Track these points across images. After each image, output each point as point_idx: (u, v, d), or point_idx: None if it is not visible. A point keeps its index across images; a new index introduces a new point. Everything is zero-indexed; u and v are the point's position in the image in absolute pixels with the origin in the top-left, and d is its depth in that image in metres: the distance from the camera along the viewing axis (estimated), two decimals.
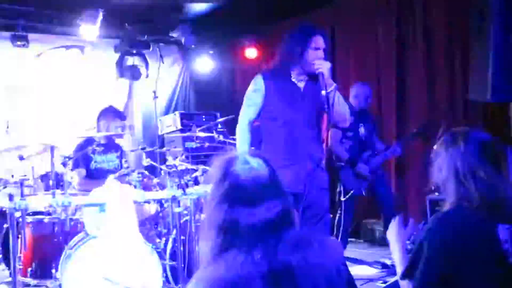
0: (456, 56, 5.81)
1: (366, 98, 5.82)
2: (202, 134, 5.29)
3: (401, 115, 6.40)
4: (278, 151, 3.41)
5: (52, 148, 3.95)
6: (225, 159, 1.74)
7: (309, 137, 3.49)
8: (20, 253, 4.20)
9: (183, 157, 4.88)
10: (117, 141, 5.45)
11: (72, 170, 5.00)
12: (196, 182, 4.47)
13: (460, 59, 5.75)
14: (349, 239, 6.40)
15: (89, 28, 7.09)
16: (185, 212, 4.45)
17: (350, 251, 6.06)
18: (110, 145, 5.26)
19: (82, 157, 5.01)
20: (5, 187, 5.14)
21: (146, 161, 4.70)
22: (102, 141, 5.08)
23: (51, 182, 4.89)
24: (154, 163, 4.79)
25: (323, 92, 3.30)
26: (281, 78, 3.45)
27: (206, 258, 1.69)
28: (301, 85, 3.53)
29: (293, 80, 3.51)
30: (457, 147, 2.17)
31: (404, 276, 2.16)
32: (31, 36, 7.29)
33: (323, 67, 3.32)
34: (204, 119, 7.34)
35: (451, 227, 2.06)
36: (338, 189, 5.88)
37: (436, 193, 5.63)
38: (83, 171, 5.05)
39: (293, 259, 1.61)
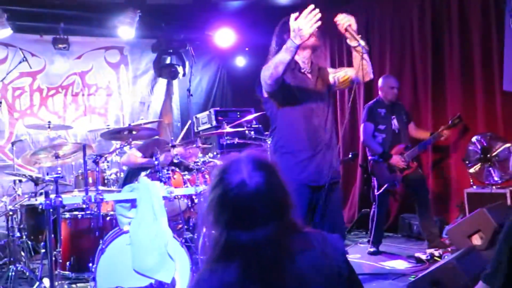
0: (492, 46, 5.66)
1: (391, 88, 5.76)
2: (231, 130, 5.35)
3: (437, 106, 6.28)
4: (300, 141, 3.42)
5: (84, 147, 4.09)
6: (223, 164, 1.71)
7: (325, 125, 3.50)
8: (59, 248, 4.39)
9: (215, 153, 4.95)
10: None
11: (133, 147, 5.20)
12: None
13: (497, 50, 5.61)
14: (385, 234, 6.37)
15: (127, 29, 7.27)
16: None
17: (387, 245, 6.01)
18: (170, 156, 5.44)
19: (151, 149, 5.17)
20: (44, 185, 5.37)
21: (176, 158, 4.80)
22: (136, 139, 5.21)
23: (90, 180, 5.13)
24: (183, 160, 4.88)
25: (354, 43, 3.26)
26: (290, 69, 3.43)
27: (207, 258, 1.71)
28: (309, 74, 3.54)
29: (302, 70, 3.52)
30: None
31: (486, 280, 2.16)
32: (71, 38, 7.54)
33: (345, 20, 3.23)
34: (238, 116, 7.39)
35: None
36: (372, 183, 5.86)
37: (474, 187, 5.55)
38: (139, 155, 5.21)
39: (287, 273, 1.60)
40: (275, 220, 1.62)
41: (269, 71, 3.21)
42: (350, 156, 6.95)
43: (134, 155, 5.27)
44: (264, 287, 1.60)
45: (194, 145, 5.09)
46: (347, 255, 1.76)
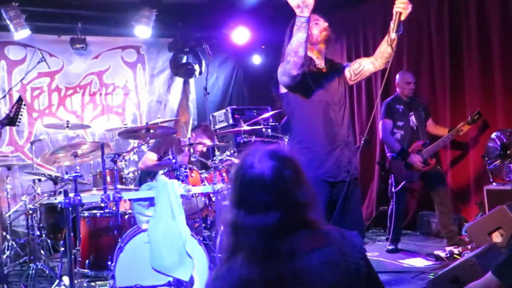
0: (511, 42, 5.60)
1: (407, 84, 5.73)
2: (248, 128, 5.35)
3: (455, 102, 6.22)
4: (317, 136, 3.41)
5: (102, 146, 4.12)
6: (240, 160, 1.76)
7: (342, 120, 3.48)
8: (78, 246, 4.43)
9: (232, 151, 4.95)
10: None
11: (148, 149, 5.23)
12: None
13: None
14: (404, 231, 6.34)
15: (144, 28, 7.32)
16: None
17: (406, 243, 5.99)
18: (184, 152, 5.46)
19: (167, 145, 5.20)
20: (63, 184, 5.43)
21: (193, 156, 4.82)
22: (154, 138, 5.23)
23: (108, 179, 5.17)
24: (201, 158, 4.90)
25: (393, 35, 3.22)
26: (306, 64, 3.41)
27: (224, 255, 1.74)
28: (324, 69, 3.52)
29: (317, 65, 3.51)
30: None
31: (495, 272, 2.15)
32: (89, 38, 7.59)
33: (402, 6, 3.15)
34: (255, 114, 7.38)
35: None
36: (389, 180, 5.83)
37: (494, 183, 5.49)
38: (154, 156, 5.23)
39: (287, 268, 1.61)
40: (276, 210, 1.63)
41: (291, 60, 3.18)
42: (362, 142, 6.81)
43: (149, 159, 5.28)
44: (266, 280, 1.61)
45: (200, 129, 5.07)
46: (365, 253, 1.76)
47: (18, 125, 4.84)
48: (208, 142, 5.52)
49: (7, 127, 6.49)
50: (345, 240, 1.70)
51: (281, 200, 1.65)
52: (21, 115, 4.67)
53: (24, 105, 4.76)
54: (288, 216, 1.65)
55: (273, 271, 1.62)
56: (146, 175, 5.28)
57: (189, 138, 4.88)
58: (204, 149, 5.58)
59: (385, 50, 3.40)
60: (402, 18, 3.17)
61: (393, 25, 3.20)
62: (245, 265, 1.64)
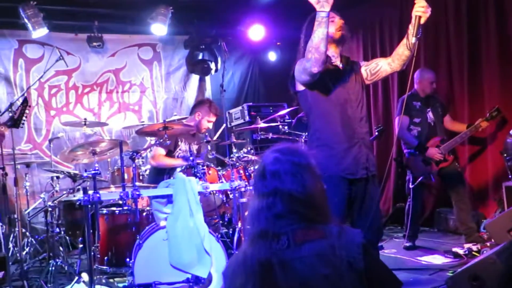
0: None
1: (430, 83, 5.69)
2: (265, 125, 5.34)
3: (473, 99, 6.15)
4: (335, 133, 3.40)
5: (121, 143, 4.14)
6: (264, 154, 1.96)
7: (360, 117, 3.48)
8: (97, 243, 4.46)
9: (249, 148, 4.95)
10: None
11: (157, 144, 5.23)
12: None
13: None
14: (422, 228, 6.30)
15: (160, 26, 7.35)
16: None
17: (423, 240, 5.95)
18: (193, 138, 5.46)
19: (174, 139, 5.20)
20: (82, 182, 5.47)
21: (210, 154, 4.83)
22: (191, 132, 5.20)
23: (126, 176, 5.20)
24: (218, 155, 4.90)
25: (413, 39, 3.17)
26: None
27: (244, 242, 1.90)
28: (341, 67, 3.52)
29: (333, 63, 3.50)
30: None
31: None
32: (105, 36, 7.64)
33: (422, 10, 3.11)
34: (271, 111, 7.38)
35: None
36: (406, 177, 5.79)
37: None
38: (162, 151, 5.24)
39: (278, 255, 1.79)
40: (273, 199, 1.84)
41: (312, 58, 3.16)
42: (376, 133, 6.75)
43: (159, 155, 5.26)
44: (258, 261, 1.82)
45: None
46: (382, 250, 1.84)
47: (22, 127, 4.88)
48: (214, 118, 5.50)
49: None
50: (342, 236, 1.81)
51: (277, 191, 1.85)
52: (26, 117, 4.72)
53: (29, 106, 4.81)
54: (284, 207, 1.83)
55: (264, 255, 1.81)
56: (158, 172, 5.26)
57: (206, 136, 4.88)
58: (210, 126, 5.55)
59: (403, 52, 3.38)
60: (422, 21, 3.12)
61: (412, 29, 3.15)
62: (249, 247, 1.88)
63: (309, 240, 1.81)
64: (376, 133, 6.67)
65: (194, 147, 5.44)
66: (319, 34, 3.11)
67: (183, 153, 5.33)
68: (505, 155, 5.53)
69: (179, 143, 5.28)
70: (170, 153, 5.30)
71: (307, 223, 1.85)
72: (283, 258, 1.80)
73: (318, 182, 1.92)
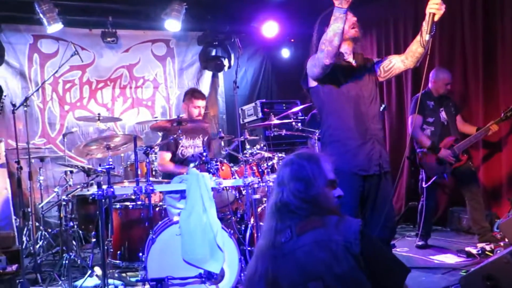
0: None
1: (445, 84, 5.66)
2: (278, 122, 5.32)
3: (488, 98, 6.11)
4: (348, 129, 3.41)
5: (135, 139, 4.16)
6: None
7: (373, 114, 3.47)
8: (110, 237, 4.49)
9: (262, 145, 4.95)
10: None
11: (159, 149, 5.24)
12: (272, 169, 4.54)
13: None
14: (434, 227, 6.27)
15: (173, 22, 7.35)
16: (264, 199, 4.56)
17: (436, 239, 5.93)
18: (198, 130, 5.44)
19: (174, 139, 5.20)
20: (96, 176, 5.50)
21: (223, 150, 4.83)
22: (190, 126, 5.22)
23: (139, 171, 5.21)
24: (231, 151, 4.91)
25: (427, 36, 3.14)
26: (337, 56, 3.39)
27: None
28: (354, 64, 3.51)
29: (346, 59, 3.49)
30: None
31: None
32: (119, 32, 7.67)
33: (436, 7, 3.08)
34: (284, 108, 7.38)
35: None
36: (420, 176, 5.77)
37: None
38: (167, 156, 5.25)
39: (280, 247, 2.03)
40: (281, 192, 2.13)
41: (325, 50, 3.17)
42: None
43: (164, 159, 5.28)
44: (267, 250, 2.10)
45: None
46: (394, 249, 1.97)
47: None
48: (202, 103, 5.49)
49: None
50: (340, 223, 2.00)
51: (282, 183, 2.14)
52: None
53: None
54: (287, 199, 2.09)
55: (271, 243, 2.06)
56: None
57: (220, 132, 4.89)
58: (202, 111, 5.53)
59: (416, 49, 3.38)
60: (436, 19, 3.10)
61: (426, 26, 3.12)
62: (260, 240, 2.17)
63: (309, 229, 2.00)
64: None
65: (198, 141, 5.44)
66: (334, 28, 3.11)
67: (186, 150, 5.33)
68: None
69: (180, 141, 5.27)
70: (173, 154, 5.34)
71: (308, 216, 2.06)
72: (284, 251, 2.01)
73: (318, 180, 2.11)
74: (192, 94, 5.55)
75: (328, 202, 2.12)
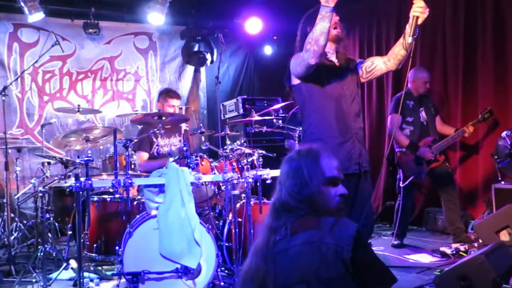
0: None
1: (424, 83, 5.71)
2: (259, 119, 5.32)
3: (467, 100, 6.19)
4: (329, 127, 3.42)
5: (115, 131, 4.13)
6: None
7: (354, 113, 3.49)
8: (86, 230, 4.45)
9: (242, 141, 4.94)
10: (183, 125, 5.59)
11: (135, 151, 5.22)
12: (252, 166, 4.53)
13: None
14: (410, 227, 6.33)
15: (157, 15, 7.30)
16: (243, 195, 4.56)
17: (411, 238, 6.01)
18: (174, 129, 5.41)
19: (146, 140, 5.20)
20: (73, 168, 5.45)
21: (203, 145, 4.81)
22: (166, 125, 5.21)
23: (118, 164, 5.17)
24: (211, 147, 4.90)
25: (410, 39, 3.17)
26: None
27: None
28: (336, 63, 3.53)
29: (329, 58, 3.51)
30: None
31: None
32: (102, 23, 7.60)
33: (419, 10, 3.10)
34: (266, 104, 7.39)
35: None
36: (397, 175, 5.82)
37: (502, 182, 5.47)
38: (145, 155, 5.24)
39: (273, 247, 1.98)
40: (279, 191, 2.09)
41: (311, 49, 3.17)
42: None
43: (142, 159, 5.25)
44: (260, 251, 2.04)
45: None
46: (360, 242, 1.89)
47: None
48: (176, 102, 5.49)
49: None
50: (335, 226, 1.90)
51: (281, 182, 2.09)
52: None
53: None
54: (284, 198, 2.04)
55: (266, 241, 2.02)
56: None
57: (201, 127, 4.87)
58: (177, 111, 5.53)
59: (398, 52, 3.41)
60: (419, 22, 3.13)
61: (409, 29, 3.16)
62: (257, 239, 2.11)
63: (303, 229, 1.94)
64: None
65: (174, 139, 5.42)
66: (321, 27, 3.12)
67: (162, 148, 5.32)
68: (496, 157, 5.57)
69: (154, 139, 5.26)
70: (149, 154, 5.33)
71: (305, 215, 1.99)
72: (276, 250, 1.95)
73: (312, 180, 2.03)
74: (167, 93, 5.56)
75: (326, 202, 2.02)
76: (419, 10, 3.11)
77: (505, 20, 5.78)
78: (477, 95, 6.08)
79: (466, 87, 6.20)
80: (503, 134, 5.52)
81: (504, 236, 4.50)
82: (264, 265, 1.96)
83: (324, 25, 3.11)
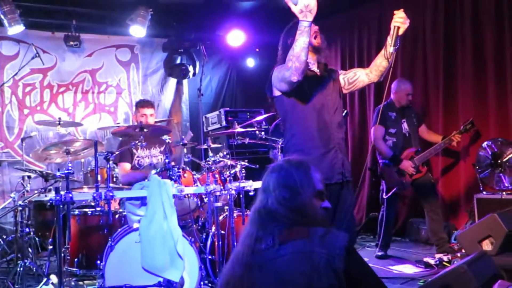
0: (506, 50, 5.63)
1: (407, 95, 5.75)
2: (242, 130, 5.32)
3: (448, 111, 6.25)
4: (312, 138, 3.42)
5: (95, 144, 4.09)
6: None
7: (337, 123, 3.50)
8: (67, 244, 4.38)
9: (225, 153, 4.92)
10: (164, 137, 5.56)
11: (116, 164, 5.18)
12: (235, 177, 4.51)
13: (510, 54, 5.59)
14: (393, 238, 6.34)
15: (139, 28, 7.29)
16: (226, 207, 4.53)
17: (395, 249, 6.01)
18: (154, 140, 5.37)
19: (126, 152, 5.16)
20: (54, 182, 5.37)
21: (186, 157, 4.79)
22: (146, 136, 5.18)
23: (99, 177, 5.12)
24: (194, 159, 4.87)
25: (391, 49, 3.23)
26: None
27: None
28: (318, 73, 3.54)
29: (311, 69, 3.52)
30: None
31: None
32: (83, 36, 7.56)
33: (400, 21, 3.18)
34: (248, 116, 7.40)
35: None
36: (381, 187, 5.84)
37: (484, 192, 5.51)
38: (127, 166, 5.20)
39: (268, 255, 1.92)
40: (264, 198, 2.05)
41: (292, 66, 3.17)
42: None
43: (124, 170, 5.22)
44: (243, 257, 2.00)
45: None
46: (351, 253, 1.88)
47: None
48: (148, 111, 5.49)
49: None
50: (326, 236, 1.88)
51: (268, 190, 2.06)
52: None
53: None
54: (272, 206, 2.00)
55: (246, 256, 1.96)
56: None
57: (183, 139, 4.84)
58: (151, 119, 5.50)
59: (380, 63, 3.44)
60: (400, 32, 3.19)
61: (390, 39, 3.22)
62: (238, 246, 2.07)
63: (292, 239, 1.90)
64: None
65: (155, 151, 5.39)
66: (300, 43, 3.12)
67: (143, 160, 5.29)
68: (477, 167, 5.62)
69: (134, 151, 5.23)
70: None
71: (293, 225, 1.95)
72: (263, 259, 1.91)
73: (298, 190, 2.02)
74: (138, 104, 5.65)
75: (315, 213, 2.03)
76: (400, 21, 3.16)
77: (483, 31, 5.86)
78: (457, 106, 6.15)
79: (447, 98, 6.27)
80: (484, 144, 5.57)
81: (486, 245, 4.51)
82: (248, 274, 1.92)
83: (304, 40, 3.12)
